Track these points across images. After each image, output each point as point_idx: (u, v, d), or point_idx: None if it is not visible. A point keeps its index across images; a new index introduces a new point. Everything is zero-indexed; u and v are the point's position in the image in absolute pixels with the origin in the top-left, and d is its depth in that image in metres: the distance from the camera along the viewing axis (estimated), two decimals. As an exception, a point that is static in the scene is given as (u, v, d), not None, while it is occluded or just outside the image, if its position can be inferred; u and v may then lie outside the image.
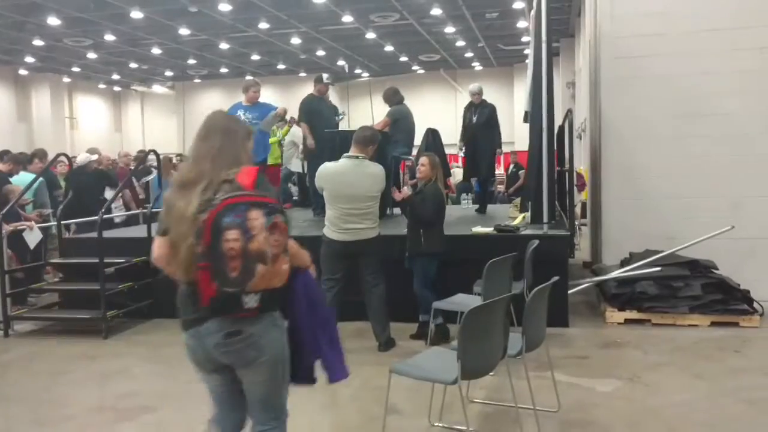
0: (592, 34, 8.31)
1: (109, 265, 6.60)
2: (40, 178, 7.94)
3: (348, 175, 5.63)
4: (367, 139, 5.81)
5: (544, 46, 6.65)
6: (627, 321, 6.52)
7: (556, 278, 4.49)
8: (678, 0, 7.38)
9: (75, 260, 7.14)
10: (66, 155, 8.56)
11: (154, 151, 8.26)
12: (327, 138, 8.23)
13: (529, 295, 4.01)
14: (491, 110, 8.69)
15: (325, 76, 9.29)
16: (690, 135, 7.35)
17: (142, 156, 9.62)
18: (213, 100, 29.63)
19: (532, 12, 8.30)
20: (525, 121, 8.67)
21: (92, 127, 29.07)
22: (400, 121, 8.48)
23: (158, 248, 2.70)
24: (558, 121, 8.15)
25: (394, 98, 8.47)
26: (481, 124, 8.67)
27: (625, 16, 7.50)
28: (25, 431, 4.31)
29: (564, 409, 4.35)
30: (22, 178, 8.36)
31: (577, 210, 11.25)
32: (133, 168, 10.49)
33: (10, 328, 6.73)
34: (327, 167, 5.75)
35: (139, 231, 8.03)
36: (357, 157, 5.71)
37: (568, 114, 7.91)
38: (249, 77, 8.73)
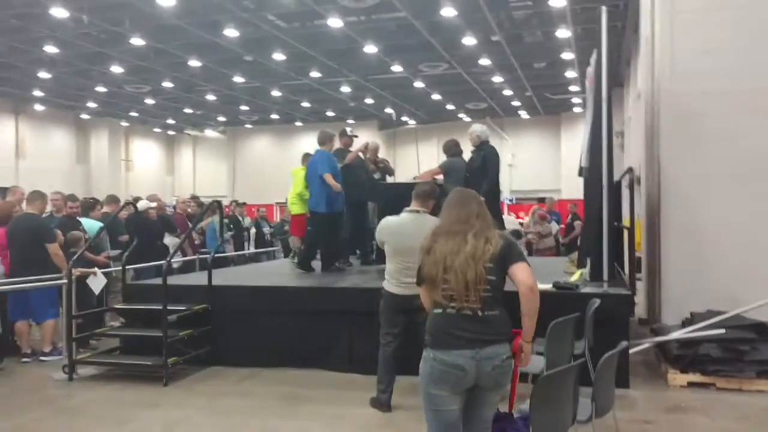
0: (649, 89, 8.29)
1: (172, 312, 6.70)
2: (102, 224, 8.17)
3: (409, 228, 5.63)
4: (426, 193, 5.85)
5: (604, 105, 6.66)
6: (690, 384, 6.32)
7: (625, 343, 4.42)
8: (740, 58, 7.31)
9: (139, 306, 7.28)
10: (133, 203, 8.83)
11: (219, 202, 8.45)
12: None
13: (600, 361, 3.93)
14: (486, 153, 8.13)
15: (348, 129, 9.58)
16: (754, 194, 7.20)
17: (207, 204, 9.79)
18: (263, 145, 30.34)
19: (589, 68, 8.32)
20: (580, 175, 8.61)
21: (146, 169, 29.96)
22: (452, 174, 8.51)
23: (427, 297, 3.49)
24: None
25: (451, 150, 8.55)
26: (475, 170, 8.07)
27: (685, 73, 7.46)
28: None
29: (634, 478, 4.22)
30: (85, 224, 8.63)
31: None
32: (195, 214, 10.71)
33: (75, 372, 6.87)
34: (389, 221, 5.79)
35: (199, 278, 8.18)
36: (417, 212, 5.73)
37: (629, 171, 7.85)
38: (326, 130, 8.95)
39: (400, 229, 5.66)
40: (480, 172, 8.02)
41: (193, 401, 6.10)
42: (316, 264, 8.77)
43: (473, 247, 3.35)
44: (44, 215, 8.27)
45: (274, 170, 27.38)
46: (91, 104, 24.57)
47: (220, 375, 6.90)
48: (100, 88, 21.68)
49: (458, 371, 3.20)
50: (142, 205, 9.39)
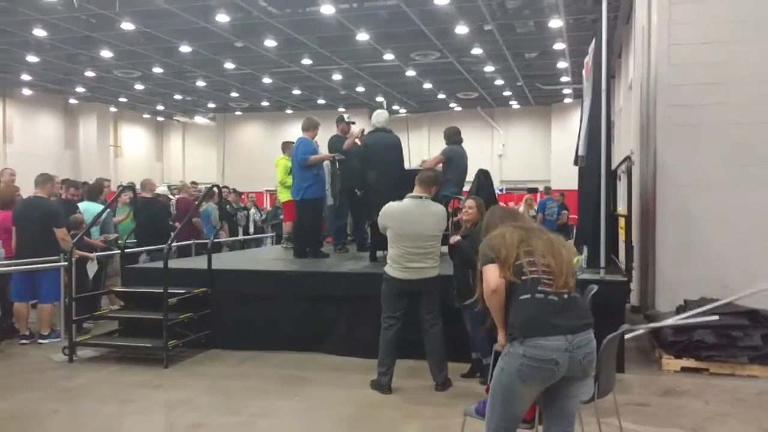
0: (645, 80, 8.37)
1: (172, 295, 6.72)
2: (108, 210, 8.18)
3: (412, 215, 5.72)
4: (431, 179, 5.93)
5: (603, 94, 6.71)
6: (684, 369, 6.44)
7: (626, 326, 4.52)
8: (736, 51, 7.41)
9: (140, 290, 7.29)
10: (132, 187, 8.82)
11: (217, 186, 8.48)
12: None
13: (603, 343, 4.00)
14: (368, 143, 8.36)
15: (345, 116, 9.58)
16: (748, 183, 7.33)
17: (206, 189, 9.86)
18: (253, 132, 30.19)
19: (587, 58, 8.39)
20: (576, 164, 8.69)
21: (135, 155, 29.76)
22: (454, 161, 8.57)
23: (499, 276, 3.15)
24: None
25: (452, 138, 8.60)
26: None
27: (683, 64, 7.56)
28: (101, 458, 4.39)
29: (632, 457, 4.31)
30: (85, 207, 8.62)
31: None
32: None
33: (74, 354, 6.88)
34: (392, 206, 5.84)
35: (197, 262, 8.20)
36: (421, 197, 5.81)
37: (627, 160, 7.93)
38: (311, 117, 8.95)
39: (404, 215, 5.73)
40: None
41: (195, 382, 6.15)
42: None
43: (548, 234, 3.41)
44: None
45: (264, 157, 27.16)
46: (80, 89, 24.32)
47: (220, 357, 6.95)
48: (89, 73, 21.45)
49: (552, 366, 3.02)
50: (161, 190, 9.49)
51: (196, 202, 9.66)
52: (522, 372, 3.04)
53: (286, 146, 9.60)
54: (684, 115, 7.53)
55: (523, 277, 3.13)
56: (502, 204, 3.90)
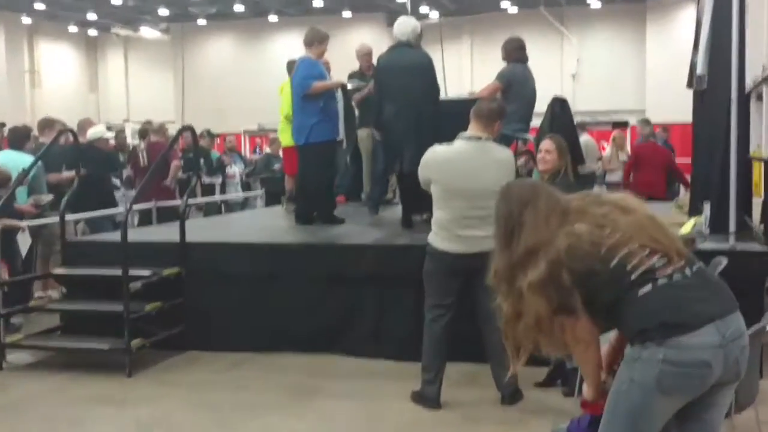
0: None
1: (134, 278, 6.86)
2: (39, 163, 8.26)
3: (468, 163, 5.74)
4: (493, 112, 5.93)
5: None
6: None
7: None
8: None
9: (90, 271, 7.45)
10: (71, 130, 8.89)
11: (190, 127, 8.58)
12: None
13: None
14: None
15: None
16: None
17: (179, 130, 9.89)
18: (222, 49, 30.05)
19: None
20: (690, 86, 8.67)
21: (59, 84, 29.63)
22: (515, 86, 8.57)
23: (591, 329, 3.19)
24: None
25: (512, 54, 8.59)
26: None
27: None
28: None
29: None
30: (10, 157, 8.74)
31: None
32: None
33: (4, 360, 7.06)
34: (437, 152, 5.86)
35: (166, 232, 8.31)
36: (479, 138, 5.82)
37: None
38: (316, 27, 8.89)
39: (455, 164, 5.74)
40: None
41: (169, 394, 6.35)
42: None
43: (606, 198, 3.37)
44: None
45: (237, 85, 27.29)
46: (-22, -8, 24.37)
47: (201, 361, 7.14)
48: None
49: (703, 370, 2.98)
50: (92, 132, 9.48)
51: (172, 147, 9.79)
52: (663, 383, 2.99)
53: (292, 67, 9.59)
54: None
55: (632, 276, 3.05)
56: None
